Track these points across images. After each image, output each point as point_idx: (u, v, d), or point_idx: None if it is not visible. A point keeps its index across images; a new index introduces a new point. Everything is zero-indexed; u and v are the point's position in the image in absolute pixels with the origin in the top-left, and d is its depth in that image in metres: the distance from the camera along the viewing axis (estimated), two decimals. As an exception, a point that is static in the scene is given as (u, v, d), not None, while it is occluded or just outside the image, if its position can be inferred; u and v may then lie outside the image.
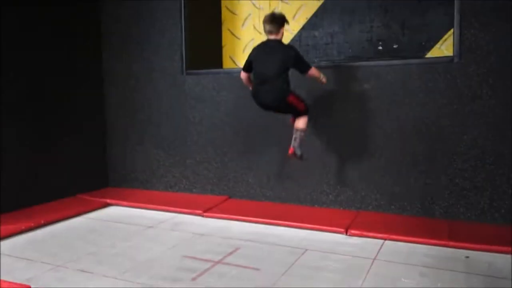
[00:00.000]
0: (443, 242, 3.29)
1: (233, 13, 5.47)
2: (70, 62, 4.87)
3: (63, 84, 4.79)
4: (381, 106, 3.97)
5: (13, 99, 4.28)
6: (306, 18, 5.07)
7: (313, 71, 3.65)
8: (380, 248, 3.31)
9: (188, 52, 4.85)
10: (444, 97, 3.75)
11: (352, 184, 4.12)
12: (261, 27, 5.35)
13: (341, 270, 2.92)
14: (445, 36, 4.51)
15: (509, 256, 3.07)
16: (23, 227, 3.76)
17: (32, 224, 3.84)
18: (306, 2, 5.08)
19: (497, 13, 3.52)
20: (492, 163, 3.62)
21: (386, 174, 3.98)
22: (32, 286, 2.65)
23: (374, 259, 3.09)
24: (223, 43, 5.54)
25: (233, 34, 5.49)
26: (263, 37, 5.31)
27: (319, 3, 5.01)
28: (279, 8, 5.20)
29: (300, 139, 3.69)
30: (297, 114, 3.71)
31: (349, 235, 3.56)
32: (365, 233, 3.53)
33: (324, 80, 3.78)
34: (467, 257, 3.08)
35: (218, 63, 5.46)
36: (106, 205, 4.63)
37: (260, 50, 3.70)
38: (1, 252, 3.28)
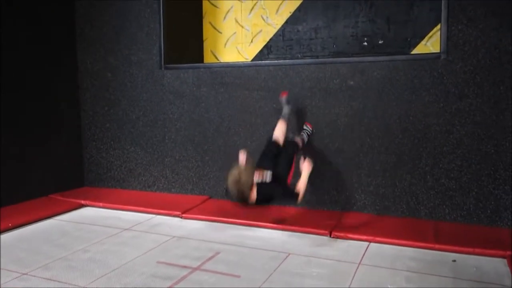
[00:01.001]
0: (429, 245, 3.20)
1: (215, 6, 5.28)
2: (41, 53, 4.60)
3: (34, 77, 4.53)
4: (367, 104, 3.86)
5: (-21, 94, 4.02)
6: (290, 12, 4.92)
7: (300, 193, 3.27)
8: (365, 251, 3.20)
9: (167, 45, 4.65)
10: (430, 95, 3.66)
11: (336, 184, 4.00)
12: (243, 21, 5.20)
13: (325, 276, 2.80)
14: (431, 33, 4.41)
15: (496, 259, 3.00)
16: (-12, 231, 3.54)
17: (-1, 227, 3.62)
18: (290, -5, 4.92)
19: (486, 8, 3.43)
20: (478, 163, 3.55)
21: (370, 174, 3.88)
22: (-7, 298, 2.46)
23: (359, 263, 2.98)
24: (204, 36, 5.35)
25: (214, 28, 5.30)
26: (245, 32, 5.21)
27: (303, -4, 4.85)
28: (262, 2, 5.03)
29: None
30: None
31: (333, 237, 3.44)
32: (349, 235, 3.42)
33: (310, 168, 3.43)
34: (454, 260, 3.00)
35: (199, 57, 5.27)
36: (80, 206, 4.41)
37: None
38: (-37, 259, 3.06)
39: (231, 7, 5.21)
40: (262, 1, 5.05)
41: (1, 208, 4.09)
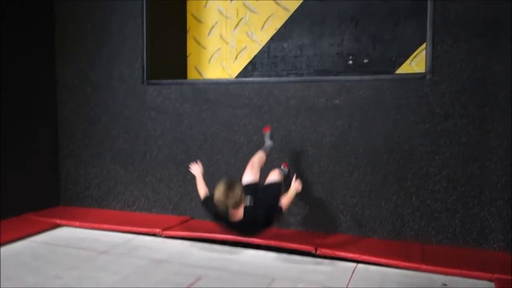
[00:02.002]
0: (416, 267, 3.14)
1: (199, 21, 5.21)
2: (18, 67, 4.44)
3: (10, 90, 4.35)
4: (352, 123, 3.81)
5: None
6: (275, 29, 4.87)
7: (284, 207, 3.23)
8: (352, 274, 3.11)
9: (149, 60, 4.55)
10: (416, 115, 3.63)
11: (321, 205, 3.92)
12: (228, 37, 5.14)
13: (310, 303, 2.69)
14: (415, 53, 4.41)
15: (483, 282, 2.95)
16: (-45, 254, 3.33)
17: (-33, 251, 3.41)
18: (276, 12, 4.88)
19: (470, 30, 3.44)
20: (463, 184, 3.52)
21: (356, 194, 3.81)
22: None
23: (346, 288, 2.89)
24: (188, 52, 5.26)
25: (198, 43, 5.22)
26: (230, 48, 5.15)
27: (288, 14, 4.82)
28: (247, 18, 4.99)
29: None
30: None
31: (320, 258, 3.35)
32: (336, 260, 3.33)
33: (299, 188, 3.39)
34: (445, 284, 2.93)
35: (182, 73, 5.17)
36: (56, 226, 4.22)
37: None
38: None
39: (216, 22, 5.14)
40: (248, 17, 5.01)
41: (-30, 229, 3.89)
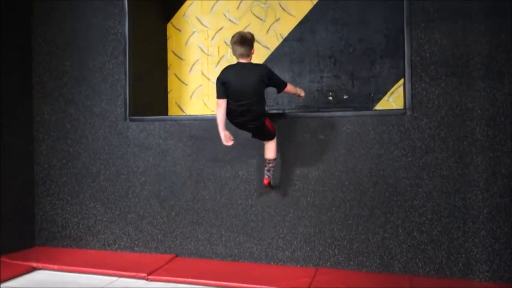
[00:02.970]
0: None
1: (180, 58, 5.26)
2: (-6, 104, 4.32)
3: (-16, 129, 4.21)
4: (337, 157, 3.88)
5: None
6: (257, 65, 4.98)
7: (289, 88, 3.71)
8: (344, 311, 3.08)
9: (132, 96, 4.52)
10: (398, 149, 3.75)
11: (309, 240, 3.92)
12: (210, 73, 5.20)
13: None
14: (392, 89, 4.61)
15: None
16: None
17: None
18: (256, 50, 4.96)
19: (446, 69, 3.64)
20: (447, 216, 3.62)
21: (344, 228, 3.84)
22: None
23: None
24: (169, 88, 5.28)
25: (179, 80, 5.26)
26: (211, 84, 5.20)
27: (269, 52, 4.96)
28: (228, 55, 5.09)
29: (272, 168, 3.76)
30: (267, 138, 3.71)
31: (310, 297, 3.31)
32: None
33: (302, 94, 3.85)
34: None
35: (164, 109, 5.16)
36: (32, 269, 4.00)
37: (232, 71, 3.54)
38: None
39: (197, 60, 5.22)
40: (229, 54, 5.10)
41: None
